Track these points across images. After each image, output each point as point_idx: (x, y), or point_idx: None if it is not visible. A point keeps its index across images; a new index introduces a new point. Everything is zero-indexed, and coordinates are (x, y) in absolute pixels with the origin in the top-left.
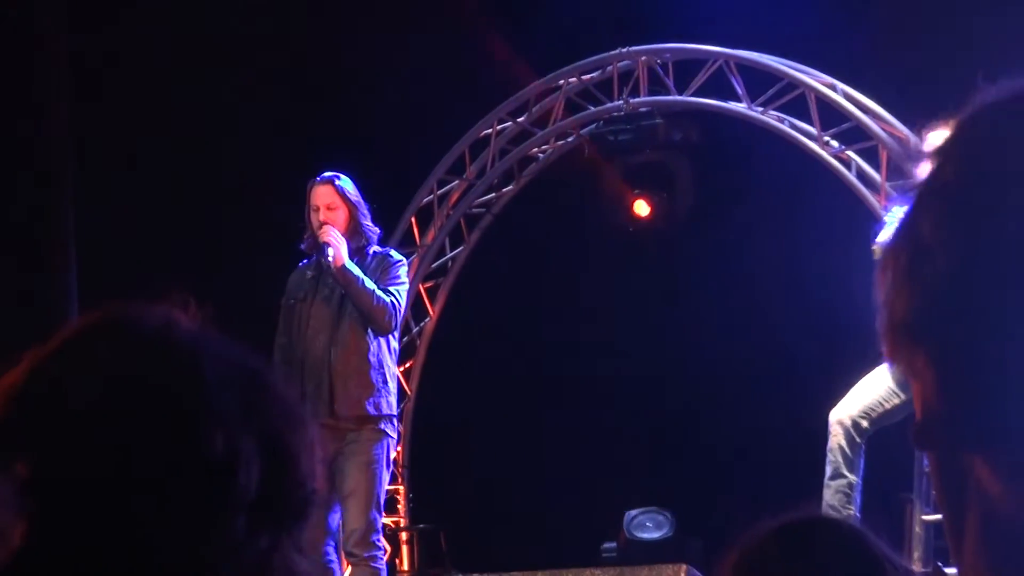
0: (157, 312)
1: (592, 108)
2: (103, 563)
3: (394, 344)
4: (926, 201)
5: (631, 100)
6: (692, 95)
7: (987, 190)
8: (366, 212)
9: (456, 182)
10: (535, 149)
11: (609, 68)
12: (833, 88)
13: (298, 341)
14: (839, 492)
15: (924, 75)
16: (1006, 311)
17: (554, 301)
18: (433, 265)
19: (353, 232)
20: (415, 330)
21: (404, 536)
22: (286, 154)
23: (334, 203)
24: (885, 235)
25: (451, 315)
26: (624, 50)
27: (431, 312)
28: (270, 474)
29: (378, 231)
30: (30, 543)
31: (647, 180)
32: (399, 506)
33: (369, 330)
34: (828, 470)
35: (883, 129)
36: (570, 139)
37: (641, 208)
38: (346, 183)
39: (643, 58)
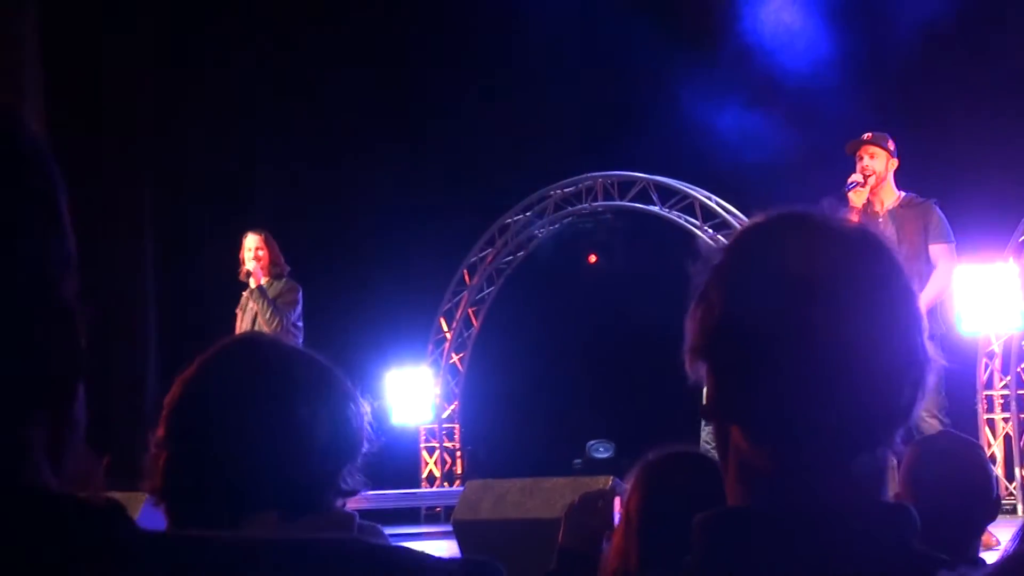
0: None
1: (569, 208)
2: None
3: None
4: (713, 276)
5: (593, 204)
6: (628, 201)
7: (739, 273)
8: (279, 253)
9: (489, 250)
10: (537, 232)
11: (580, 184)
12: (709, 199)
13: None
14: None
15: (766, 189)
16: (748, 345)
17: (551, 310)
18: (477, 297)
19: (271, 267)
20: (465, 335)
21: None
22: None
23: (261, 247)
24: None
25: (490, 326)
26: (588, 175)
27: (475, 324)
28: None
29: (288, 268)
30: None
31: (601, 247)
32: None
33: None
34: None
35: (739, 223)
36: (556, 226)
37: (591, 259)
38: (268, 236)
39: (599, 180)
